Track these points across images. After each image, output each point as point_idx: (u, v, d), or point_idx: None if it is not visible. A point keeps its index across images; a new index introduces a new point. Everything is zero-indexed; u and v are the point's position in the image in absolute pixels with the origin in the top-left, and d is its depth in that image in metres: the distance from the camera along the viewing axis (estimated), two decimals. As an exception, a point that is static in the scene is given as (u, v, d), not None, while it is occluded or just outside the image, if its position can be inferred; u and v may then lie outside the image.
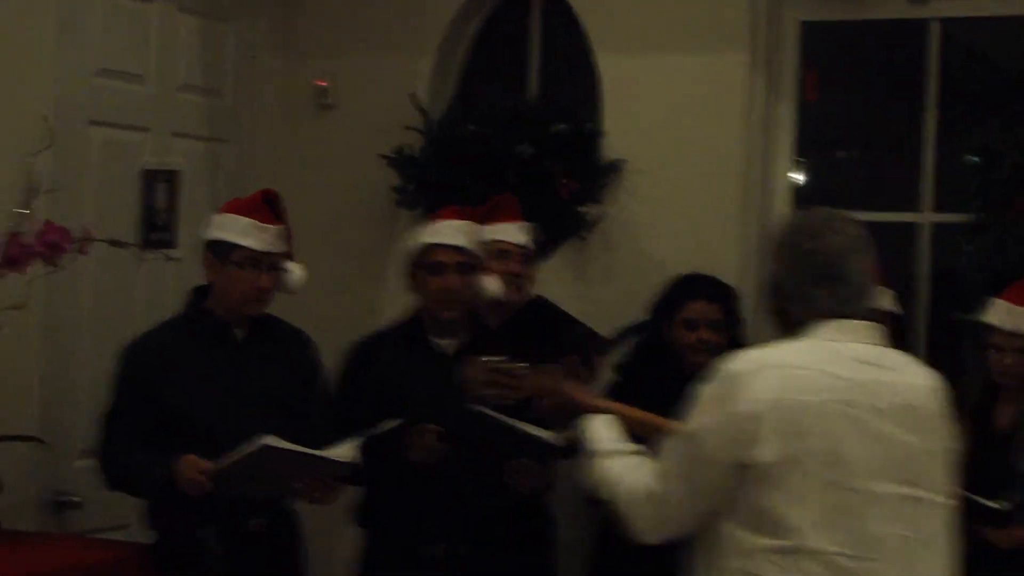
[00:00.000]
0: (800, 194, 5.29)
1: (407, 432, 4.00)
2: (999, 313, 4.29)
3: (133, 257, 4.66)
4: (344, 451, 3.77)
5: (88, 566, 3.93)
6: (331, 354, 4.33)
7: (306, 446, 3.73)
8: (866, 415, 2.81)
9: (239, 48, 5.44)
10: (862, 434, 2.80)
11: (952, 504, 2.93)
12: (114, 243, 4.22)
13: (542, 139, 5.24)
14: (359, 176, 5.53)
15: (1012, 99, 4.84)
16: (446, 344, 4.25)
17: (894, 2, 5.13)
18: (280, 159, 5.58)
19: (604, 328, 4.52)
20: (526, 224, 4.67)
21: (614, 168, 5.21)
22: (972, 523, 4.05)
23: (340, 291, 5.43)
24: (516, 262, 4.57)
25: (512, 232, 4.60)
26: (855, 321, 2.92)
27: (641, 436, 3.19)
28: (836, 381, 2.82)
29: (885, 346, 2.97)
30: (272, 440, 3.61)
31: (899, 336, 4.58)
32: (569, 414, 3.29)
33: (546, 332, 4.45)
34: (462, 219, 4.33)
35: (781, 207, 5.22)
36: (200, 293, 4.08)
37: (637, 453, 3.07)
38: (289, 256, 4.08)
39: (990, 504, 4.01)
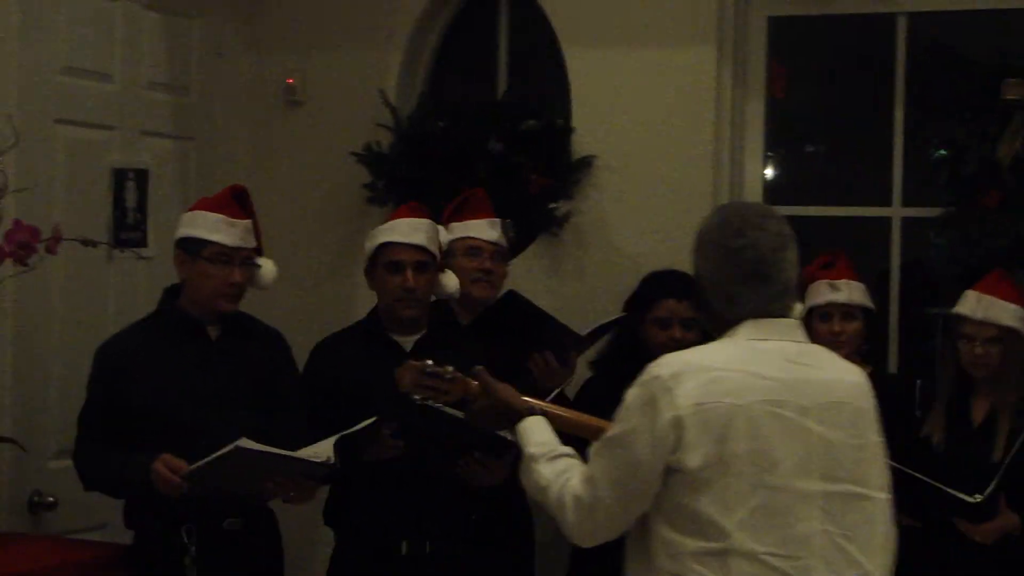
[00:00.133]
0: (770, 189, 5.31)
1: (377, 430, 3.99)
2: (969, 303, 4.31)
3: (104, 256, 4.63)
4: (319, 451, 3.76)
5: (65, 566, 3.92)
6: (303, 352, 4.32)
7: (282, 445, 3.72)
8: (792, 414, 2.80)
9: (206, 45, 5.41)
10: (788, 433, 2.79)
11: (885, 498, 2.93)
12: (85, 242, 4.20)
13: (512, 135, 5.24)
14: (329, 173, 5.52)
15: (979, 93, 4.86)
16: (405, 341, 4.23)
17: (860, -3, 5.17)
18: (249, 157, 5.56)
19: (577, 324, 4.52)
20: (497, 220, 4.66)
21: (584, 164, 5.22)
22: (948, 517, 4.09)
23: (311, 288, 5.42)
24: (487, 259, 4.57)
25: (483, 229, 4.60)
26: (781, 319, 2.91)
27: (578, 437, 3.18)
28: (761, 381, 2.81)
29: (809, 343, 2.97)
30: (245, 442, 3.60)
31: (871, 330, 4.62)
32: (501, 417, 3.27)
33: (519, 328, 4.44)
34: (420, 216, 4.30)
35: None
36: (173, 292, 4.06)
37: (567, 456, 3.05)
38: (259, 251, 4.08)
39: (964, 498, 4.03)
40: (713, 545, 2.76)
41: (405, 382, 3.54)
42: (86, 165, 4.77)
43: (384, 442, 3.96)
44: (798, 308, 4.47)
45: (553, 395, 4.22)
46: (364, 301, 4.57)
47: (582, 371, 4.62)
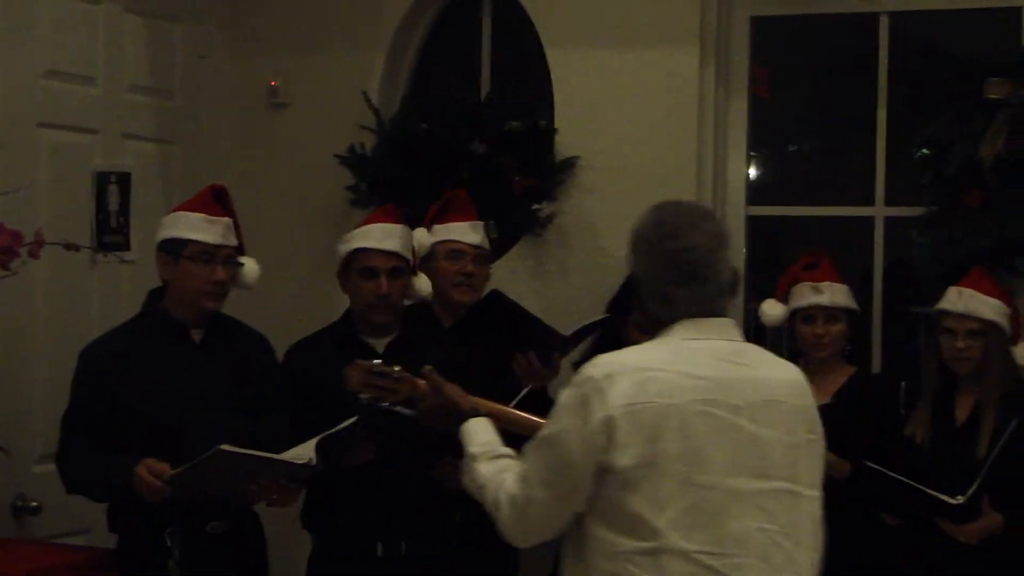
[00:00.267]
0: (753, 189, 5.31)
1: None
2: (950, 297, 4.32)
3: (87, 260, 4.62)
4: (301, 453, 3.76)
5: (49, 571, 3.91)
6: (286, 354, 4.32)
7: (267, 448, 3.73)
8: (724, 413, 2.80)
9: (188, 48, 5.41)
10: (720, 432, 2.80)
11: (817, 495, 2.93)
12: (68, 246, 4.16)
13: (495, 136, 5.24)
14: (312, 176, 5.52)
15: (962, 92, 4.87)
16: (378, 343, 4.23)
17: (843, -3, 5.18)
18: (232, 159, 5.56)
19: (561, 325, 4.52)
20: (479, 223, 4.66)
21: (568, 165, 5.22)
22: (932, 518, 4.09)
23: (296, 290, 5.41)
24: (469, 262, 4.57)
25: (465, 232, 4.60)
26: (716, 318, 2.91)
27: (525, 437, 3.18)
28: (694, 381, 2.81)
29: (744, 341, 2.96)
30: (227, 446, 3.59)
31: (855, 332, 4.63)
32: (449, 416, 3.27)
33: (502, 329, 4.44)
34: (394, 221, 4.30)
35: (735, 202, 5.24)
36: (157, 295, 4.06)
37: (507, 457, 3.05)
38: (241, 250, 4.08)
39: (947, 500, 4.03)
40: (646, 544, 2.77)
41: (352, 382, 3.55)
42: (69, 169, 4.76)
43: (357, 447, 3.96)
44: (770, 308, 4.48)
45: (522, 395, 4.20)
46: (348, 303, 4.56)
47: (566, 372, 4.62)
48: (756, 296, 5.01)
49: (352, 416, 3.78)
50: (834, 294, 4.50)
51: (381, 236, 4.22)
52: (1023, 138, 4.67)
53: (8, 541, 4.27)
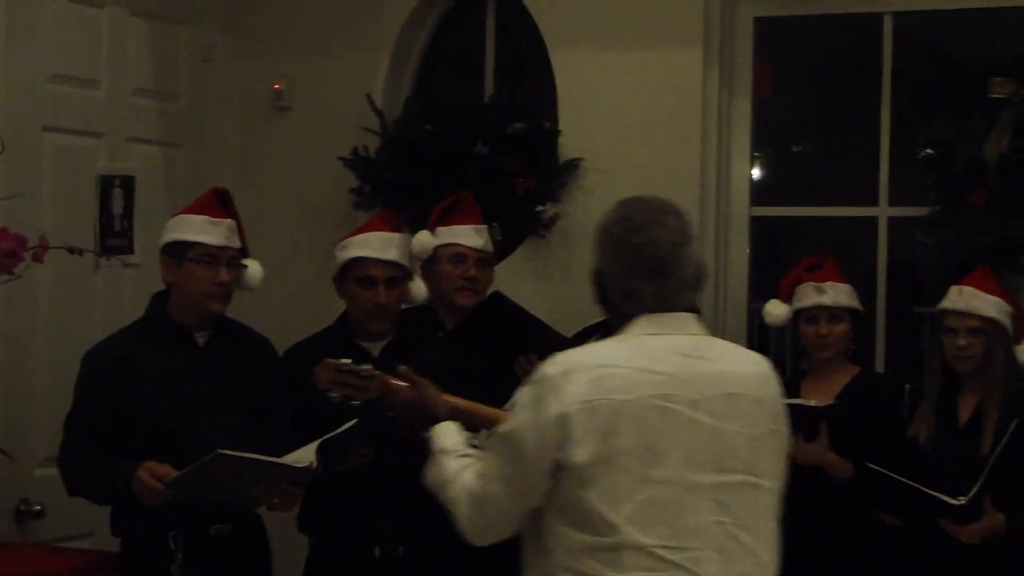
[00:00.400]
0: (757, 189, 5.31)
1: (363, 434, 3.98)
2: (951, 296, 4.32)
3: (90, 264, 4.63)
4: (302, 456, 3.76)
5: (52, 574, 3.92)
6: (291, 357, 4.32)
7: (269, 450, 3.73)
8: (682, 407, 2.80)
9: (192, 51, 5.42)
10: (677, 427, 2.79)
11: (777, 487, 2.92)
12: (71, 250, 4.17)
13: (499, 138, 5.24)
14: (316, 178, 5.52)
15: (966, 92, 4.87)
16: (373, 347, 4.23)
17: (846, -3, 5.17)
18: (236, 162, 5.57)
19: (564, 327, 4.52)
20: (483, 226, 4.65)
21: (571, 167, 5.22)
22: (934, 519, 4.09)
23: (299, 293, 5.41)
24: (472, 266, 4.56)
25: (469, 235, 4.59)
26: (677, 313, 2.90)
27: None
28: (652, 376, 2.81)
29: (707, 335, 2.96)
30: (226, 450, 3.59)
31: (859, 332, 4.62)
32: (424, 416, 3.27)
33: (504, 330, 4.43)
34: (393, 228, 4.29)
35: (739, 203, 5.24)
36: (161, 299, 4.06)
37: (469, 456, 3.06)
38: (245, 253, 4.09)
39: (948, 500, 4.02)
40: (605, 540, 2.77)
41: (322, 380, 3.55)
42: (73, 172, 4.77)
43: (353, 452, 3.96)
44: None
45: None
46: (348, 305, 4.57)
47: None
48: (760, 296, 5.01)
49: (348, 420, 3.79)
50: (837, 294, 4.50)
51: (380, 246, 4.21)
52: (1027, 137, 4.67)
53: (11, 545, 4.28)
